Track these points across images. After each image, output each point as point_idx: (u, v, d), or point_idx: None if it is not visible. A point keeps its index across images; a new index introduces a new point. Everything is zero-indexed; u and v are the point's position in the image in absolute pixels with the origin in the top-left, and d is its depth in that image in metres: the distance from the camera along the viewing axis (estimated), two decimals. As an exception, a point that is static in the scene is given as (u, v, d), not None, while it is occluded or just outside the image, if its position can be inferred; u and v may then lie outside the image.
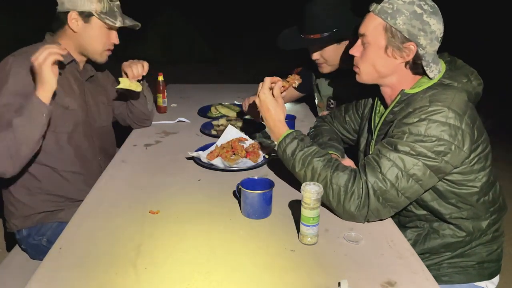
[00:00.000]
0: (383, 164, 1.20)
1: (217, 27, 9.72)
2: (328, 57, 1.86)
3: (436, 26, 1.23)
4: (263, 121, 1.44)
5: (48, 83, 1.43)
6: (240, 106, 2.38)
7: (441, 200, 1.30)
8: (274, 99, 1.41)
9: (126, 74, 1.80)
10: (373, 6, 1.28)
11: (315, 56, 1.88)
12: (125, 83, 1.77)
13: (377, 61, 1.31)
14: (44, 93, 1.44)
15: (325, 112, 1.97)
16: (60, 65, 1.54)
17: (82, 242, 1.14)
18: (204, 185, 1.48)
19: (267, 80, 1.42)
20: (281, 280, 1.00)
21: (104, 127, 1.88)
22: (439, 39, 1.25)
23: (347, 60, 1.88)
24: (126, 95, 1.91)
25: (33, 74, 1.48)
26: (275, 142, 1.39)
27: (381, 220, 1.25)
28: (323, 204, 1.28)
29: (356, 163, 1.49)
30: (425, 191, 1.25)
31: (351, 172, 1.24)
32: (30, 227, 1.66)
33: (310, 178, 1.27)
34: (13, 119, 1.41)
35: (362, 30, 1.32)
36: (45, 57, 1.41)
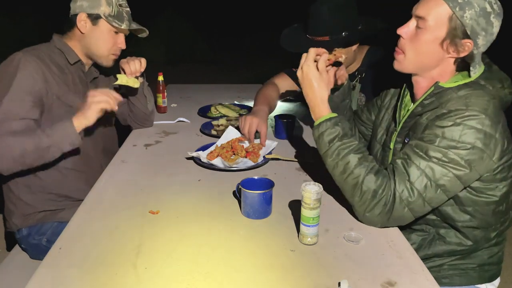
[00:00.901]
0: (412, 173, 1.15)
1: (217, 27, 9.73)
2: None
3: (496, 29, 1.17)
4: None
5: (87, 119, 1.51)
6: (240, 106, 2.38)
7: (457, 207, 1.26)
8: (318, 73, 1.29)
9: (124, 70, 1.81)
10: None
11: None
12: (122, 79, 1.78)
13: (428, 51, 1.21)
14: (80, 123, 1.50)
15: None
16: (69, 65, 1.65)
17: (82, 242, 1.14)
18: (204, 185, 1.48)
19: (312, 51, 1.30)
20: (281, 280, 1.00)
21: (106, 127, 1.88)
22: (491, 42, 1.20)
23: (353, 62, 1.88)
24: (127, 94, 1.92)
25: (42, 72, 1.55)
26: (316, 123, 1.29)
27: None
28: (328, 204, 1.28)
29: (370, 154, 1.47)
30: (448, 199, 1.22)
31: (383, 178, 1.18)
32: (30, 226, 1.67)
33: (340, 171, 1.22)
34: (41, 136, 1.46)
35: (421, 12, 1.19)
36: (100, 101, 1.50)
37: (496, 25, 1.16)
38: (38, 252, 1.66)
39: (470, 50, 1.17)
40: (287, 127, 1.91)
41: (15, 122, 1.47)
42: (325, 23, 1.73)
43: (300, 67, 1.32)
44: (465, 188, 1.21)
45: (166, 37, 7.92)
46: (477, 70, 1.21)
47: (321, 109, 1.29)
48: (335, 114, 1.28)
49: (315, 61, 1.31)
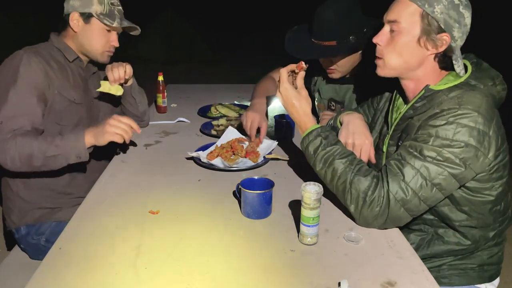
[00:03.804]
0: (407, 173, 1.16)
1: (217, 27, 9.73)
2: (340, 63, 1.80)
3: (469, 20, 1.19)
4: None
5: (97, 142, 1.53)
6: (240, 106, 2.38)
7: (454, 207, 1.27)
8: (297, 92, 1.33)
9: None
10: None
11: (326, 62, 1.82)
12: (105, 86, 1.73)
13: (407, 51, 1.23)
14: (90, 140, 1.52)
15: (327, 112, 1.95)
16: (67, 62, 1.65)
17: (82, 242, 1.14)
18: (204, 185, 1.48)
19: (284, 72, 1.34)
20: (281, 280, 1.00)
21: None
22: (467, 34, 1.22)
23: (356, 65, 1.87)
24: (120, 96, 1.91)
25: (44, 68, 1.58)
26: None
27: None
28: (328, 204, 1.28)
29: None
30: (444, 198, 1.22)
31: (372, 179, 1.19)
32: (28, 224, 1.67)
33: (330, 179, 1.25)
34: (50, 145, 1.48)
35: (393, 16, 1.23)
36: (116, 133, 1.52)
37: (467, 16, 1.19)
38: (37, 252, 1.66)
39: (448, 44, 1.20)
40: (287, 127, 1.91)
41: (22, 118, 1.50)
42: (331, 28, 1.70)
43: (278, 91, 1.36)
44: (461, 186, 1.21)
45: (165, 37, 7.93)
46: (460, 64, 1.22)
47: (305, 123, 1.33)
48: (316, 126, 1.32)
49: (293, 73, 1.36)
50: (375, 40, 1.29)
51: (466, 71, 1.26)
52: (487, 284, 1.38)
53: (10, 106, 1.50)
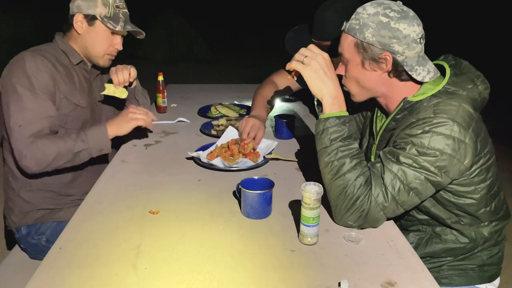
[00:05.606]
0: (386, 177, 1.17)
1: (217, 27, 9.74)
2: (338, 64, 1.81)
3: (409, 29, 1.19)
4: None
5: (120, 131, 1.66)
6: (240, 106, 2.38)
7: (440, 206, 1.29)
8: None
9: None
10: (344, 25, 1.28)
11: None
12: (109, 89, 1.74)
13: (360, 77, 1.29)
14: (113, 131, 1.63)
15: None
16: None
17: (82, 242, 1.14)
18: (204, 185, 1.48)
19: (314, 46, 1.31)
20: (281, 280, 1.00)
21: None
22: (418, 40, 1.21)
23: None
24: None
25: (51, 72, 1.59)
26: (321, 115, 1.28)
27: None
28: (328, 204, 1.28)
29: None
30: (421, 202, 1.24)
31: (369, 185, 1.19)
32: (28, 224, 1.67)
33: (333, 172, 1.21)
34: (76, 141, 1.55)
35: (339, 50, 1.31)
36: (138, 119, 1.68)
37: (403, 27, 1.20)
38: (37, 252, 1.66)
39: (391, 60, 1.22)
40: (287, 127, 1.91)
41: (41, 121, 1.52)
42: (331, 28, 1.69)
43: (308, 61, 1.28)
44: (438, 191, 1.23)
45: (166, 37, 7.94)
46: (420, 71, 1.23)
47: (339, 102, 1.28)
48: (346, 113, 1.28)
49: None
50: (336, 73, 1.33)
51: (444, 74, 1.27)
52: (487, 285, 1.38)
53: (28, 110, 1.51)
